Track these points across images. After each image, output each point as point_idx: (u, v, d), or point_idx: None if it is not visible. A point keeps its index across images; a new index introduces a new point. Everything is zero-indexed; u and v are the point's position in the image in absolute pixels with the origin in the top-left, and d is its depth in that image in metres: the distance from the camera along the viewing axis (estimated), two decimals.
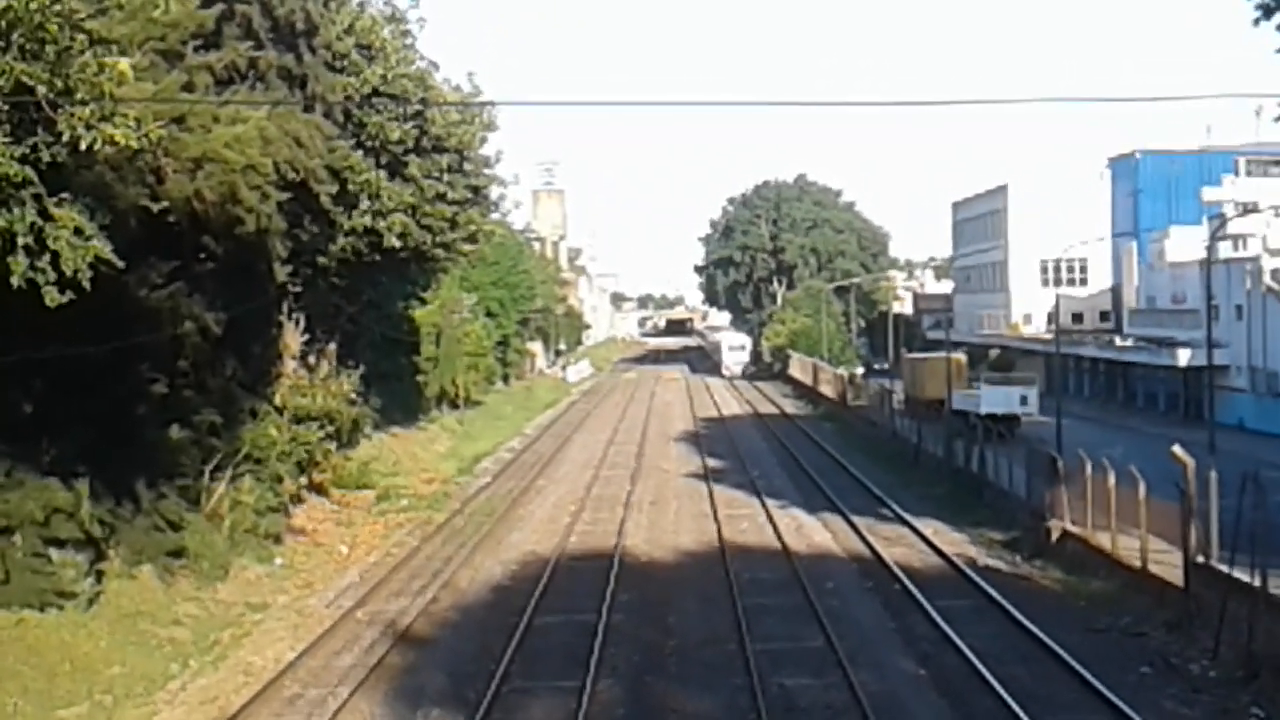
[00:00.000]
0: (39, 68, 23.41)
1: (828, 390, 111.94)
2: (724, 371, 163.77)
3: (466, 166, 61.20)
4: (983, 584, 39.25)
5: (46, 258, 25.02)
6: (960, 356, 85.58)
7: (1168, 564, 34.99)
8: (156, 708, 28.74)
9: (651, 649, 32.96)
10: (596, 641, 32.77)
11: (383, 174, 54.74)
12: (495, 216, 74.85)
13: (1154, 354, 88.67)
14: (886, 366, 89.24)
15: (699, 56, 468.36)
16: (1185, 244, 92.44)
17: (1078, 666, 29.56)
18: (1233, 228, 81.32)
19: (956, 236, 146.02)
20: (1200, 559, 32.74)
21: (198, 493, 41.38)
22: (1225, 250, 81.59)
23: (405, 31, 57.10)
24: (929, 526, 49.47)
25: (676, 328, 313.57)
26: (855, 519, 51.36)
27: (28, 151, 24.40)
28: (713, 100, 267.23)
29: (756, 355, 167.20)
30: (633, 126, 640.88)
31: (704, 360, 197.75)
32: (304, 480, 50.87)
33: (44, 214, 24.95)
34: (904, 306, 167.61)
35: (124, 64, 24.68)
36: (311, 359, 56.13)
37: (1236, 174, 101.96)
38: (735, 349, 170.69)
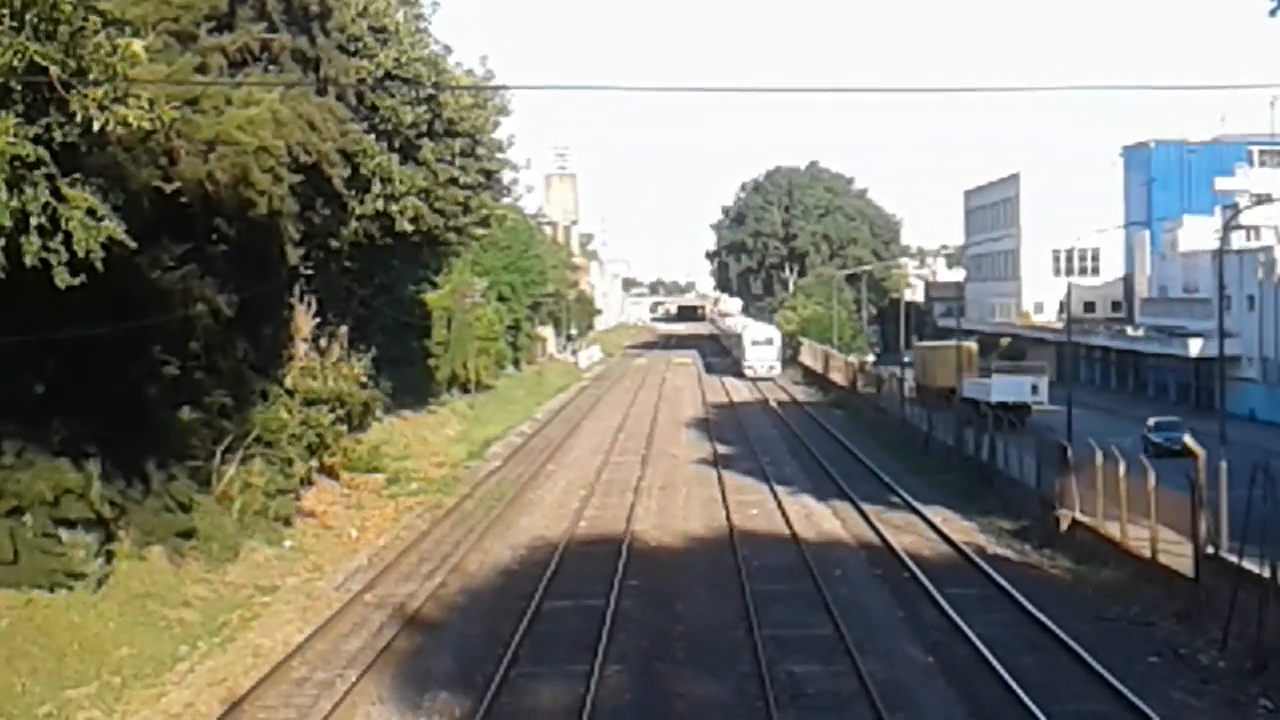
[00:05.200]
0: (52, 48, 23.40)
1: (838, 377, 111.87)
2: (746, 372, 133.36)
3: (479, 151, 61.24)
4: (992, 572, 39.24)
5: (59, 238, 25.03)
6: (971, 345, 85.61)
7: (1177, 554, 34.96)
8: (165, 689, 28.77)
9: (660, 635, 32.97)
10: (605, 627, 32.79)
11: (395, 157, 54.72)
12: (507, 201, 75.02)
13: (1165, 344, 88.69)
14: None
15: (712, 42, 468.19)
16: (1198, 234, 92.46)
17: (1086, 656, 29.58)
18: (1246, 218, 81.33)
19: (969, 224, 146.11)
20: (1210, 549, 32.73)
21: (208, 474, 41.43)
22: (1238, 240, 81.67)
23: (419, 15, 57.09)
24: (938, 514, 49.46)
25: (688, 314, 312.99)
26: (865, 506, 51.36)
27: (41, 132, 24.40)
28: (725, 87, 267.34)
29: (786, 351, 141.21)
30: (645, 112, 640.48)
31: (720, 354, 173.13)
32: (314, 463, 50.86)
33: (57, 194, 24.95)
34: (915, 294, 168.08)
35: (137, 45, 24.68)
36: (323, 342, 56.09)
37: (1250, 164, 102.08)
38: (760, 344, 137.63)
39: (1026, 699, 26.45)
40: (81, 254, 25.18)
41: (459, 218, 60.13)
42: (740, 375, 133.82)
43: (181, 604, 34.58)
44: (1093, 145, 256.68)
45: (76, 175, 25.56)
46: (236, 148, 36.12)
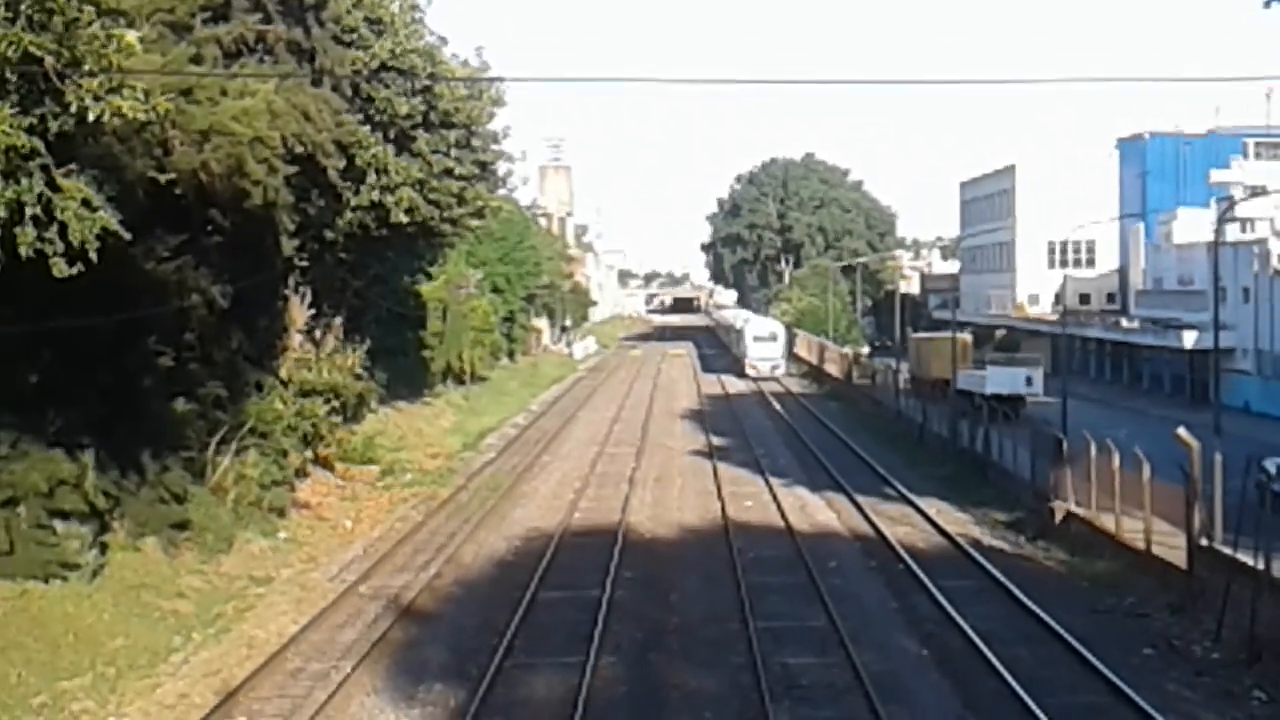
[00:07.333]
0: (47, 38, 23.40)
1: (833, 369, 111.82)
2: (749, 370, 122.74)
3: (474, 142, 61.08)
4: (986, 564, 39.26)
5: (54, 229, 25.04)
6: (966, 337, 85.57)
7: (1171, 546, 34.99)
8: (159, 680, 28.77)
9: (654, 626, 32.98)
10: (599, 618, 32.81)
11: (390, 149, 54.63)
12: (502, 192, 74.81)
13: (1160, 336, 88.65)
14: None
15: (707, 33, 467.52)
16: (1193, 226, 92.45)
17: (1080, 648, 29.61)
18: (1240, 210, 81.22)
19: (964, 216, 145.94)
20: (1204, 541, 32.76)
21: (202, 465, 41.40)
22: (1233, 233, 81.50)
23: (414, 6, 56.89)
24: (933, 506, 49.46)
25: (683, 305, 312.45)
26: (859, 498, 51.37)
27: (35, 122, 24.40)
28: (720, 78, 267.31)
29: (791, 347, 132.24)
30: (640, 103, 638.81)
31: (718, 351, 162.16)
32: (309, 454, 50.83)
33: (52, 185, 24.96)
34: (910, 286, 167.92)
35: (131, 36, 24.71)
36: (317, 333, 56.06)
37: (1245, 156, 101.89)
38: (763, 340, 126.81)
39: (1020, 691, 26.48)
40: (76, 244, 25.20)
41: (454, 209, 60.00)
42: (741, 374, 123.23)
43: (176, 595, 34.57)
44: (1088, 137, 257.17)
45: (71, 166, 25.59)
46: (231, 138, 36.04)
